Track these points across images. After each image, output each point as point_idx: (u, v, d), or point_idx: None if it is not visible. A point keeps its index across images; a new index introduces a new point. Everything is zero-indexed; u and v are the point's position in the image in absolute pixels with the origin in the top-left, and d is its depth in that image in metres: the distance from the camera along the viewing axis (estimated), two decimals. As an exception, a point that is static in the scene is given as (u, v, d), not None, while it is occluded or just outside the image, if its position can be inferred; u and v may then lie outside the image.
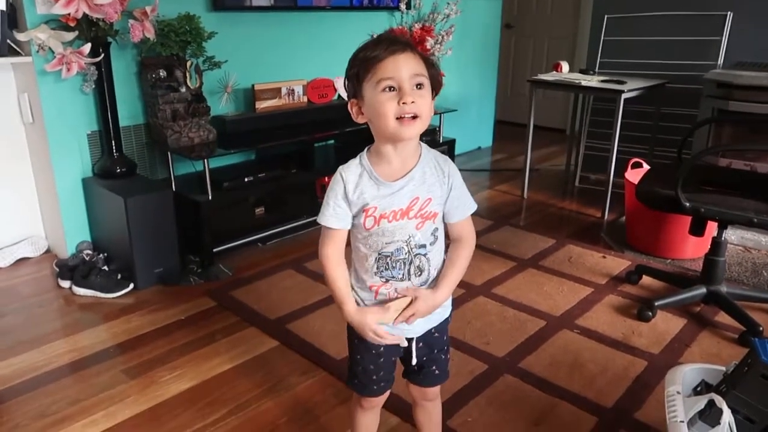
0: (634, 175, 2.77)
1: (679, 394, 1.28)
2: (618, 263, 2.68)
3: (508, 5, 5.39)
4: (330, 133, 3.13)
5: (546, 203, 3.56)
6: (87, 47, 2.29)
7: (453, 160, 3.78)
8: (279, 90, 3.06)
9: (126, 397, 1.76)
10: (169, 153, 2.66)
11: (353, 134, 2.98)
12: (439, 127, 3.62)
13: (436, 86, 1.07)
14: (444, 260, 1.18)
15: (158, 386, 1.80)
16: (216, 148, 2.71)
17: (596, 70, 3.68)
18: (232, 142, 2.80)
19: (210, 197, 2.56)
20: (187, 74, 2.63)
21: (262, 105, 3.00)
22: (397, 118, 1.02)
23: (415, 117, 1.02)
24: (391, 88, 1.01)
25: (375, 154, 1.11)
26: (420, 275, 1.14)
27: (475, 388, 1.78)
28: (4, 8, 2.24)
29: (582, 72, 3.63)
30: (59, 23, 2.27)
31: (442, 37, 3.83)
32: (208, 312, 2.25)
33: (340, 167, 1.12)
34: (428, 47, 3.77)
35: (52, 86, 2.41)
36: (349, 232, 1.16)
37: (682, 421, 1.18)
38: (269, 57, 3.14)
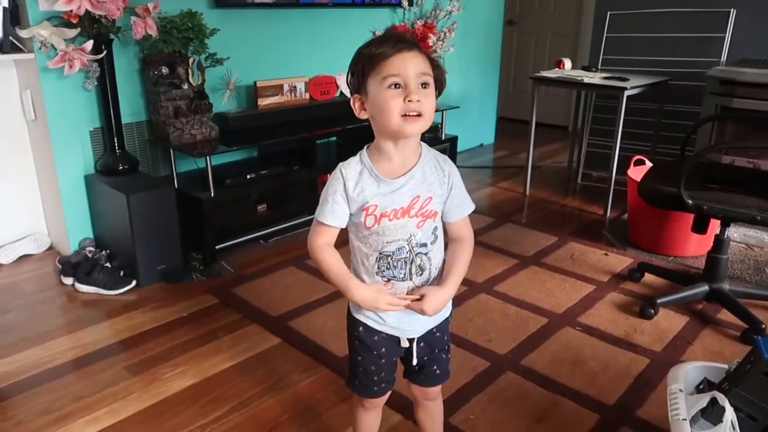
0: (636, 173, 2.77)
1: (682, 391, 1.27)
2: (620, 261, 2.68)
3: (510, 2, 5.38)
4: (332, 130, 3.13)
5: (548, 200, 3.56)
6: (89, 44, 2.29)
7: (455, 157, 3.76)
8: (281, 87, 3.06)
9: (129, 393, 1.76)
10: (171, 150, 2.66)
11: (355, 131, 2.98)
12: (442, 124, 3.61)
13: (439, 87, 1.07)
14: (443, 260, 1.18)
15: (161, 383, 1.81)
16: (218, 145, 2.71)
17: (599, 67, 3.67)
18: (234, 139, 2.80)
19: (212, 194, 2.57)
20: (190, 71, 2.63)
21: (264, 102, 2.99)
22: (402, 116, 1.02)
23: (419, 115, 1.02)
24: (396, 86, 1.01)
25: (375, 152, 1.10)
26: (421, 274, 1.14)
27: (477, 386, 1.78)
28: (6, 5, 2.24)
29: (584, 69, 3.62)
30: (61, 20, 2.27)
31: (445, 34, 3.83)
32: (210, 309, 2.25)
33: (340, 164, 1.11)
34: (430, 44, 3.76)
35: (54, 83, 2.41)
36: (349, 231, 1.16)
37: (685, 419, 1.18)
38: (271, 54, 3.14)
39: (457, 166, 3.72)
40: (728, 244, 2.18)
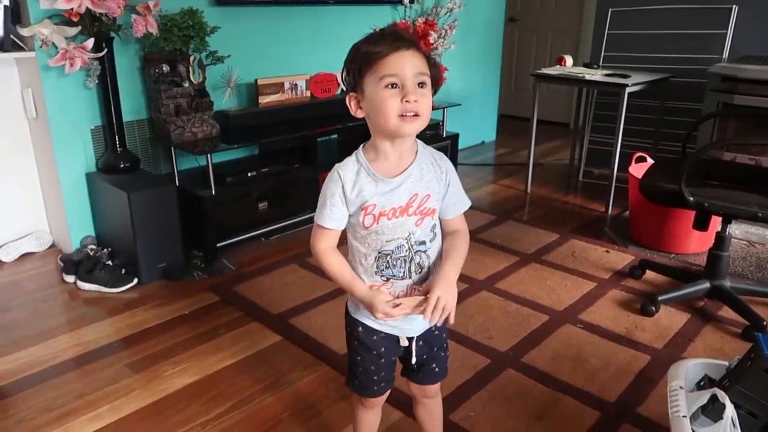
0: (637, 170, 2.76)
1: (682, 389, 1.27)
2: (621, 258, 2.67)
3: (511, -1, 5.37)
4: (333, 127, 3.13)
5: (549, 198, 3.56)
6: (90, 42, 2.29)
7: (456, 154, 3.75)
8: (282, 85, 3.05)
9: (130, 391, 1.77)
10: (172, 148, 2.66)
11: (356, 129, 2.96)
12: (443, 121, 3.61)
13: (436, 85, 1.06)
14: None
15: (162, 380, 1.81)
16: (219, 143, 2.71)
17: (600, 64, 3.66)
18: (235, 136, 2.80)
19: (213, 192, 2.57)
20: (190, 69, 2.63)
21: (265, 100, 2.99)
22: (399, 116, 1.01)
23: (416, 115, 1.02)
24: (393, 85, 1.01)
25: (372, 151, 1.10)
26: (420, 272, 1.14)
27: (478, 383, 1.78)
28: (7, 3, 2.24)
29: (586, 66, 3.61)
30: (62, 18, 2.27)
31: (446, 31, 3.81)
32: (211, 307, 2.26)
33: (337, 165, 1.11)
34: (431, 41, 3.75)
35: (55, 81, 2.41)
36: (347, 231, 1.15)
37: (685, 416, 1.18)
38: (272, 52, 3.14)
39: (459, 164, 3.71)
40: (730, 241, 2.18)
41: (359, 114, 1.07)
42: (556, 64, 3.70)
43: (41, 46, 2.27)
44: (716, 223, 2.16)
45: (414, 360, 1.23)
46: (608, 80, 3.14)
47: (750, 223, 2.80)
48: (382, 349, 1.20)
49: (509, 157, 4.48)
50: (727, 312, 2.18)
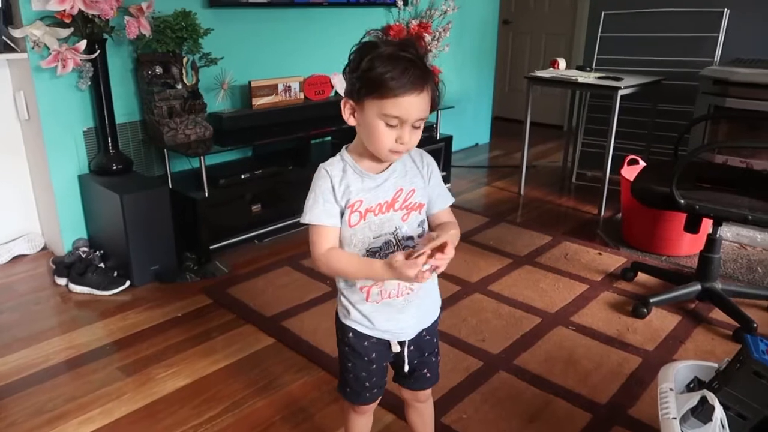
0: (630, 172, 2.77)
1: (672, 390, 1.28)
2: (614, 260, 2.68)
3: (505, 1, 5.39)
4: (326, 129, 3.13)
5: (543, 200, 3.57)
6: (82, 44, 2.28)
7: (450, 156, 3.74)
8: (275, 87, 3.05)
9: (122, 394, 1.76)
10: (165, 150, 2.66)
11: (350, 131, 2.97)
12: (437, 123, 3.62)
13: (434, 107, 1.06)
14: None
15: (154, 383, 1.81)
16: (212, 145, 2.71)
17: (593, 66, 3.68)
18: (229, 138, 2.80)
19: (206, 194, 2.56)
20: (184, 71, 2.63)
21: (258, 102, 2.99)
22: (389, 149, 1.03)
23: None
24: (394, 124, 1.01)
25: (355, 152, 1.11)
26: None
27: (470, 385, 1.79)
28: (-1, 5, 2.24)
29: (579, 69, 3.62)
30: (54, 20, 2.26)
31: (440, 33, 3.83)
32: (204, 309, 2.25)
33: (322, 164, 1.11)
34: (425, 43, 3.76)
35: (47, 83, 2.40)
36: None
37: (675, 418, 1.19)
38: (266, 53, 3.14)
39: (452, 166, 3.71)
40: (720, 243, 2.19)
41: (351, 122, 1.06)
42: (550, 67, 3.71)
43: (33, 48, 2.26)
44: (707, 225, 2.18)
45: (407, 368, 1.23)
46: (601, 83, 3.16)
47: (741, 225, 2.81)
48: (374, 354, 1.20)
49: (503, 159, 4.49)
50: (718, 314, 2.19)
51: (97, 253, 2.51)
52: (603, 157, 3.19)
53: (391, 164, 1.11)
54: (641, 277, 2.50)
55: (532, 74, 3.48)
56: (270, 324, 2.13)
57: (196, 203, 2.53)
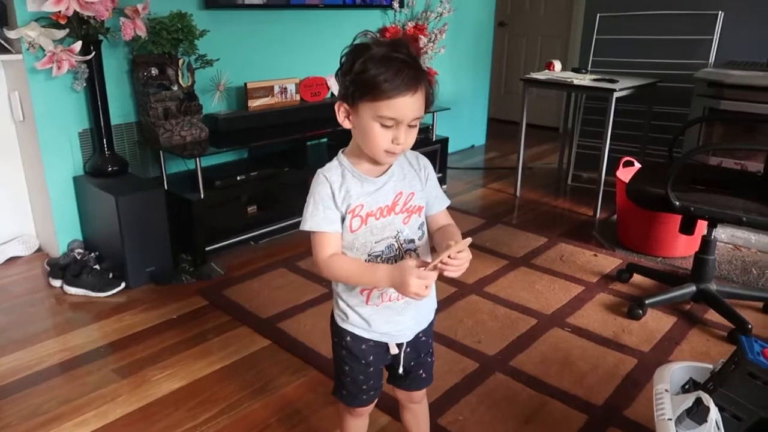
0: (625, 174, 2.78)
1: (667, 392, 1.28)
2: (609, 261, 2.69)
3: (501, 4, 5.40)
4: (322, 131, 3.13)
5: (538, 202, 3.57)
6: (78, 45, 2.28)
7: (446, 158, 3.74)
8: (271, 88, 3.05)
9: (117, 396, 1.75)
10: (161, 151, 2.65)
11: (346, 133, 2.97)
12: (432, 125, 3.62)
13: (429, 106, 1.06)
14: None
15: (149, 385, 1.80)
16: (208, 146, 2.70)
17: (588, 68, 3.69)
18: (225, 140, 2.79)
19: (202, 196, 2.56)
20: (179, 72, 2.62)
21: (254, 103, 2.99)
22: (385, 150, 1.03)
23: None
24: (389, 125, 1.01)
25: (352, 155, 1.11)
26: None
27: (466, 387, 1.79)
28: (-7, 6, 2.23)
29: (574, 71, 3.64)
30: (50, 21, 2.25)
31: (435, 35, 3.84)
32: (199, 311, 2.25)
33: (320, 170, 1.10)
34: (421, 45, 3.77)
35: (42, 84, 2.39)
36: None
37: (670, 419, 1.19)
38: (262, 55, 3.14)
39: (448, 168, 3.70)
40: (715, 245, 2.20)
41: (347, 125, 1.06)
42: (545, 69, 3.72)
43: (28, 49, 2.25)
44: (702, 227, 2.18)
45: (401, 369, 1.23)
46: (596, 85, 3.17)
47: (735, 227, 2.83)
48: (371, 357, 1.20)
49: (499, 161, 4.50)
50: (713, 315, 2.20)
51: (92, 254, 2.50)
52: (598, 159, 3.20)
53: (389, 168, 1.11)
54: (636, 278, 2.50)
55: (528, 76, 3.49)
56: (266, 326, 2.13)
57: (192, 205, 2.53)
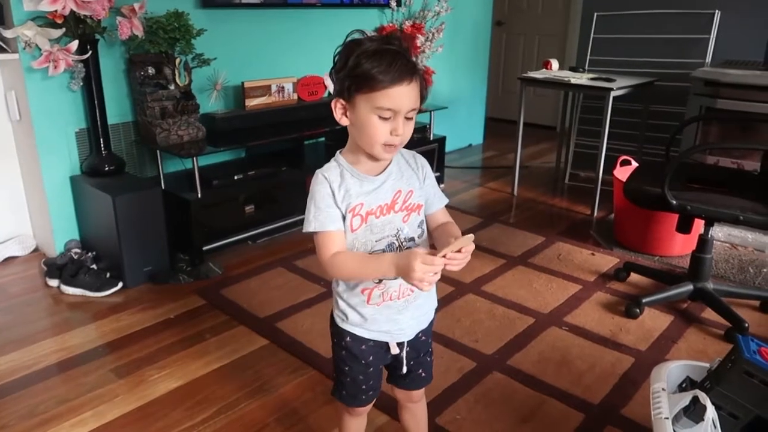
0: (622, 173, 2.79)
1: (664, 390, 1.29)
2: (606, 260, 2.70)
3: (498, 3, 5.40)
4: (320, 130, 3.13)
5: (536, 200, 3.58)
6: (74, 44, 2.27)
7: (444, 157, 3.74)
8: (269, 87, 3.05)
9: (115, 396, 1.75)
10: (158, 151, 2.65)
11: (343, 132, 2.97)
12: (430, 124, 3.62)
13: (423, 100, 1.06)
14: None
15: (147, 385, 1.80)
16: (205, 145, 2.70)
17: (586, 67, 3.69)
18: (222, 139, 2.79)
19: (199, 195, 2.56)
20: (176, 72, 2.62)
21: (251, 102, 2.99)
22: (383, 143, 1.03)
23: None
24: (387, 116, 1.01)
25: (351, 154, 1.11)
26: None
27: (464, 386, 1.79)
28: (-11, 5, 2.23)
29: (572, 70, 3.64)
30: (46, 20, 2.25)
31: (433, 34, 3.83)
32: (197, 311, 2.24)
33: (319, 170, 1.10)
34: (418, 44, 3.77)
35: (39, 84, 2.39)
36: None
37: (667, 418, 1.19)
38: (259, 54, 3.13)
39: (446, 167, 3.70)
40: (712, 243, 2.20)
41: (344, 122, 1.06)
42: (543, 68, 3.73)
43: (25, 48, 2.25)
44: (699, 225, 2.19)
45: (405, 368, 1.23)
46: (593, 84, 3.17)
47: (732, 225, 2.83)
48: (371, 357, 1.20)
49: (497, 160, 4.50)
50: (709, 314, 2.21)
51: (90, 254, 2.50)
52: (596, 158, 3.20)
53: (387, 167, 1.11)
54: (634, 277, 2.51)
55: (525, 75, 3.49)
56: (263, 325, 2.13)
57: (189, 204, 2.53)
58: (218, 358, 1.94)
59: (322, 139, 3.41)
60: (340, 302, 1.18)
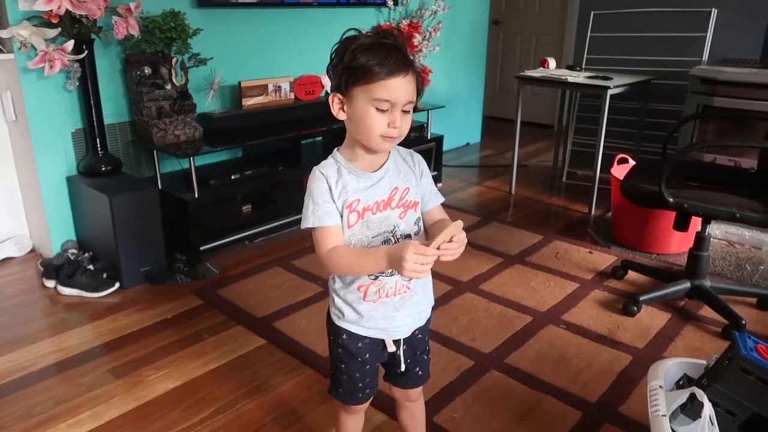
0: (620, 171, 2.79)
1: (662, 388, 1.29)
2: (604, 258, 2.70)
3: (495, 1, 5.40)
4: (317, 129, 3.13)
5: (533, 199, 3.58)
6: (70, 44, 2.26)
7: (441, 156, 3.74)
8: (266, 87, 3.05)
9: (112, 396, 1.75)
10: (154, 151, 2.64)
11: (340, 131, 2.96)
12: (427, 123, 3.62)
13: (418, 97, 1.07)
14: None
15: (144, 386, 1.80)
16: (202, 145, 2.69)
17: (583, 66, 3.69)
18: (219, 139, 2.79)
19: (196, 195, 2.55)
20: (173, 71, 2.61)
21: (248, 102, 2.98)
22: (381, 135, 1.03)
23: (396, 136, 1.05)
24: (384, 108, 1.01)
25: (348, 152, 1.11)
26: None
27: (462, 385, 1.79)
28: (-15, 5, 2.22)
29: (569, 68, 3.64)
30: (42, 20, 2.24)
31: (430, 33, 3.83)
32: (194, 311, 2.24)
33: (316, 167, 1.11)
34: (416, 43, 3.77)
35: (35, 84, 2.38)
36: None
37: (664, 415, 1.19)
38: (256, 54, 3.13)
39: (443, 166, 3.70)
40: (709, 241, 2.20)
41: (341, 116, 1.07)
42: (540, 67, 3.73)
43: (20, 48, 2.24)
44: (696, 223, 2.19)
45: (402, 366, 1.23)
46: (590, 82, 3.17)
47: (729, 223, 2.83)
48: (367, 355, 1.20)
49: (494, 159, 4.50)
50: (707, 311, 2.21)
51: (86, 254, 2.49)
52: (593, 156, 3.20)
53: (384, 163, 1.12)
54: (631, 275, 2.51)
55: (523, 74, 3.49)
56: (261, 325, 2.13)
57: (186, 204, 2.52)
58: (216, 358, 1.94)
59: (319, 138, 3.40)
60: (337, 299, 1.18)
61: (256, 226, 2.84)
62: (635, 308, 2.20)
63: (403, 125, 1.04)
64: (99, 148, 2.53)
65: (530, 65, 5.41)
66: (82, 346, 2.01)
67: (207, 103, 2.91)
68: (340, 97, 1.05)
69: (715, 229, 2.92)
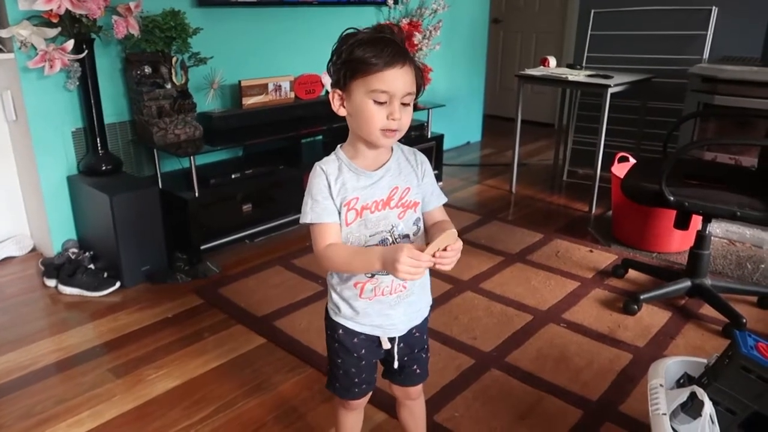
0: (620, 170, 2.79)
1: (662, 386, 1.28)
2: (604, 257, 2.69)
3: (495, 0, 5.39)
4: (317, 128, 3.12)
5: (534, 198, 3.58)
6: (70, 44, 2.26)
7: (442, 155, 3.74)
8: (266, 86, 3.04)
9: (112, 396, 1.75)
10: (155, 150, 2.64)
11: (340, 130, 2.95)
12: (428, 122, 3.61)
13: (418, 92, 1.07)
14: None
15: (145, 385, 1.80)
16: (202, 144, 2.69)
17: (583, 64, 3.69)
18: (219, 138, 2.79)
19: (197, 194, 2.55)
20: (173, 71, 2.61)
21: (248, 101, 2.98)
22: (381, 129, 1.03)
23: (396, 129, 1.05)
24: (383, 100, 1.02)
25: (350, 149, 1.12)
26: None
27: (462, 383, 1.79)
28: (-16, 4, 2.22)
29: (569, 67, 3.64)
30: (42, 19, 2.24)
31: (430, 32, 3.83)
32: (195, 310, 2.24)
33: (317, 163, 1.11)
34: (416, 42, 3.76)
35: (35, 83, 2.38)
36: None
37: (665, 414, 1.19)
38: (256, 53, 3.12)
39: (444, 164, 3.70)
40: (710, 239, 2.20)
41: (342, 112, 1.08)
42: (540, 65, 3.72)
43: (20, 48, 2.24)
44: (697, 222, 2.19)
45: (396, 364, 1.23)
46: (591, 81, 3.17)
47: (730, 221, 2.83)
48: (363, 351, 1.20)
49: (495, 158, 4.50)
50: (707, 310, 2.21)
51: (87, 254, 2.49)
52: (593, 155, 3.20)
53: (386, 163, 1.11)
54: (632, 273, 2.51)
55: (523, 72, 3.48)
56: (261, 324, 2.13)
57: (187, 203, 2.52)
58: (216, 357, 1.94)
59: (320, 137, 3.40)
60: (334, 295, 1.18)
61: (256, 225, 2.84)
62: (636, 307, 2.20)
63: (403, 118, 1.04)
64: (99, 148, 2.53)
65: (530, 64, 5.40)
66: (82, 345, 2.01)
67: (207, 102, 2.91)
68: (340, 92, 1.06)
69: (716, 228, 2.91)
